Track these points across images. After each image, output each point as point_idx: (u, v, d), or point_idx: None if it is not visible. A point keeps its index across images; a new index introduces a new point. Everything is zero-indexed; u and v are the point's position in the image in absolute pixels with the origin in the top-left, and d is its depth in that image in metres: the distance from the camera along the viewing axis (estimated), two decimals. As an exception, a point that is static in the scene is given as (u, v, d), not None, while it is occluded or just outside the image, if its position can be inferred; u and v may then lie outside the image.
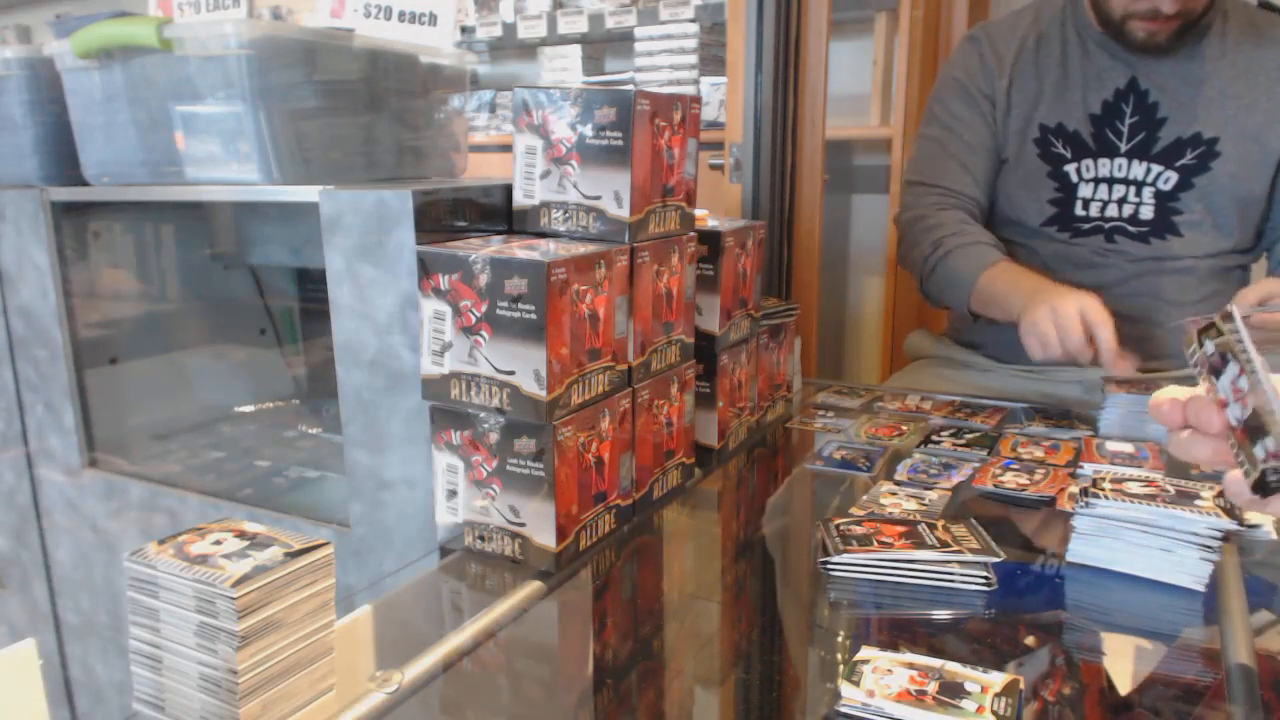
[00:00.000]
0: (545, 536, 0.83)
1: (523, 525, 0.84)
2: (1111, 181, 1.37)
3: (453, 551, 0.89)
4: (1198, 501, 0.80)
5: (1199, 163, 1.32)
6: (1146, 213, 1.35)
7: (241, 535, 0.61)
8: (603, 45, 2.90)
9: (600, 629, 0.80)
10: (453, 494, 0.87)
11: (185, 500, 1.19)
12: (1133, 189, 1.36)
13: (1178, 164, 1.33)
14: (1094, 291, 1.21)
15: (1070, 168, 1.38)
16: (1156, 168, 1.34)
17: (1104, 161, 1.37)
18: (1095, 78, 1.36)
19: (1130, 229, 1.36)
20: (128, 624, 0.59)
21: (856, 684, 0.62)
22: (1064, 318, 1.14)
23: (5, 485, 1.37)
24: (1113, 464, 1.03)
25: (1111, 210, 1.37)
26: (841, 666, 0.70)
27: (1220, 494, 0.82)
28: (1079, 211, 1.39)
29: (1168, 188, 1.33)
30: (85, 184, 1.19)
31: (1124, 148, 1.35)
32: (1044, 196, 1.41)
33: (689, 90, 2.49)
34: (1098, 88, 1.36)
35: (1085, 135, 1.37)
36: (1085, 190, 1.38)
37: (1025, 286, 1.25)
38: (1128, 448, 1.08)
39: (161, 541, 0.59)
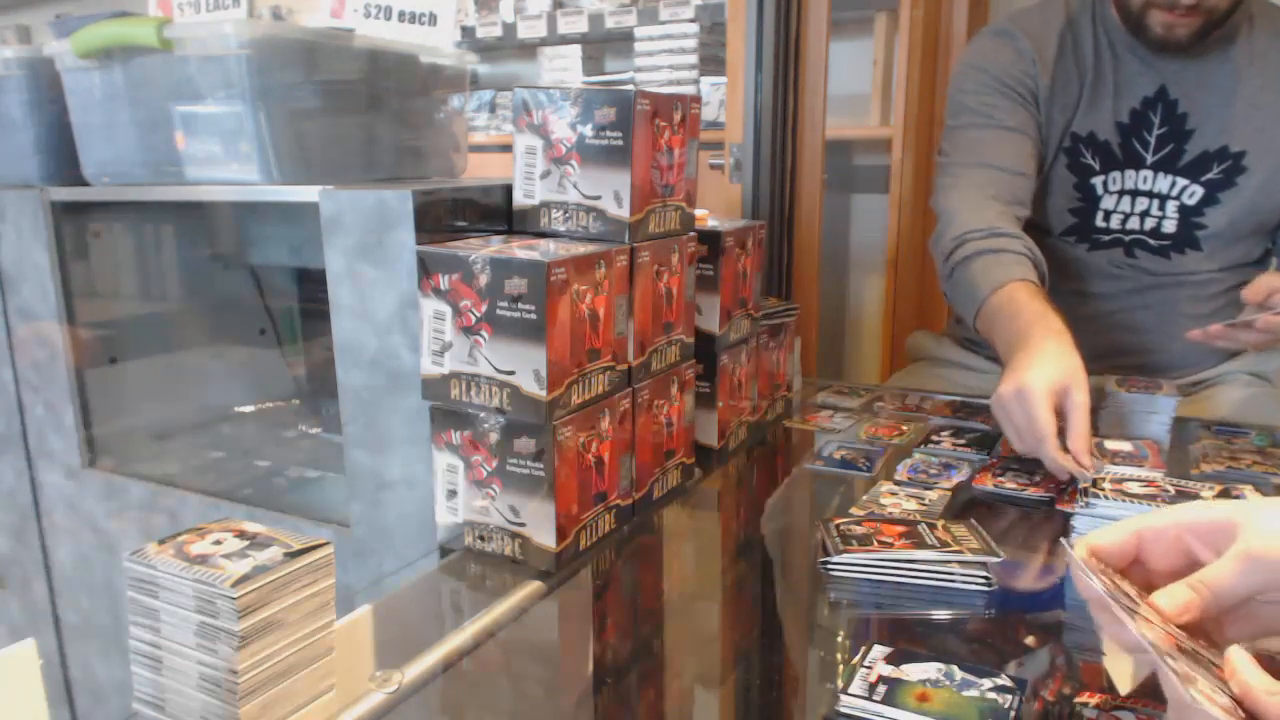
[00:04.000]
0: (545, 536, 0.83)
1: (523, 525, 0.84)
2: (1135, 194, 1.31)
3: (453, 551, 0.89)
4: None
5: (1225, 177, 1.26)
6: (1169, 226, 1.30)
7: (241, 535, 0.61)
8: (603, 45, 2.89)
9: (600, 629, 0.80)
10: (453, 494, 0.87)
11: (185, 500, 1.19)
12: (1156, 202, 1.30)
13: (1204, 178, 1.27)
14: (1109, 301, 1.15)
15: (1097, 180, 1.32)
16: (1182, 181, 1.28)
17: (1130, 173, 1.31)
18: (1125, 84, 1.29)
19: (1151, 242, 1.31)
20: (128, 624, 0.59)
21: (856, 684, 0.62)
22: (1031, 406, 0.94)
23: (5, 485, 1.37)
24: (1113, 464, 1.03)
25: (1133, 223, 1.32)
26: (841, 667, 0.70)
27: (1221, 493, 0.82)
28: (1099, 223, 1.33)
29: (1192, 202, 1.28)
30: (85, 184, 1.19)
31: (1150, 159, 1.29)
32: (1065, 205, 1.35)
33: (689, 90, 2.49)
34: (1127, 95, 1.29)
35: (1114, 145, 1.30)
36: (1108, 202, 1.33)
37: (1016, 329, 1.06)
38: (1128, 447, 1.07)
39: (161, 541, 0.59)
